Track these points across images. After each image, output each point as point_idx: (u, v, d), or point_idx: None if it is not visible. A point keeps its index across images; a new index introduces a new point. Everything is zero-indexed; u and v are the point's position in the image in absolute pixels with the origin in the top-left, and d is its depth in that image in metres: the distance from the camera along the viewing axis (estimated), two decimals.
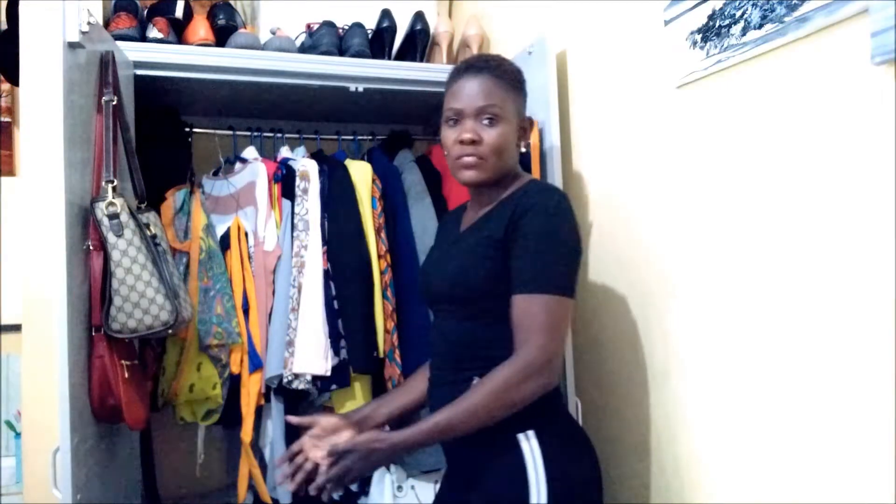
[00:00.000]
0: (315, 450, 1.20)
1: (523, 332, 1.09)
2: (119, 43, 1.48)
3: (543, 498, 1.08)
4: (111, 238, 1.24)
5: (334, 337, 1.64)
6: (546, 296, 1.09)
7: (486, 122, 1.17)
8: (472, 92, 1.18)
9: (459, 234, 1.28)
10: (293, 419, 1.31)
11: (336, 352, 1.64)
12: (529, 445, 1.11)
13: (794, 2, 0.98)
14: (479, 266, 1.15)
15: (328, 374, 1.61)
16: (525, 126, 1.25)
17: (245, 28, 1.78)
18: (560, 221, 1.14)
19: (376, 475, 1.84)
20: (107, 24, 1.60)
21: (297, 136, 1.99)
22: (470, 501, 1.17)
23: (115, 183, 1.28)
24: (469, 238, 1.22)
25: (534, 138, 1.64)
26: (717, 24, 1.14)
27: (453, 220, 1.37)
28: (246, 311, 1.66)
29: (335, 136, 2.04)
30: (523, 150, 1.27)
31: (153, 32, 1.61)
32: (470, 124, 1.17)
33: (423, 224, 1.76)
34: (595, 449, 1.22)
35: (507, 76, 1.21)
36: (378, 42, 1.86)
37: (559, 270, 1.12)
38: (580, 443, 1.21)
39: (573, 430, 1.23)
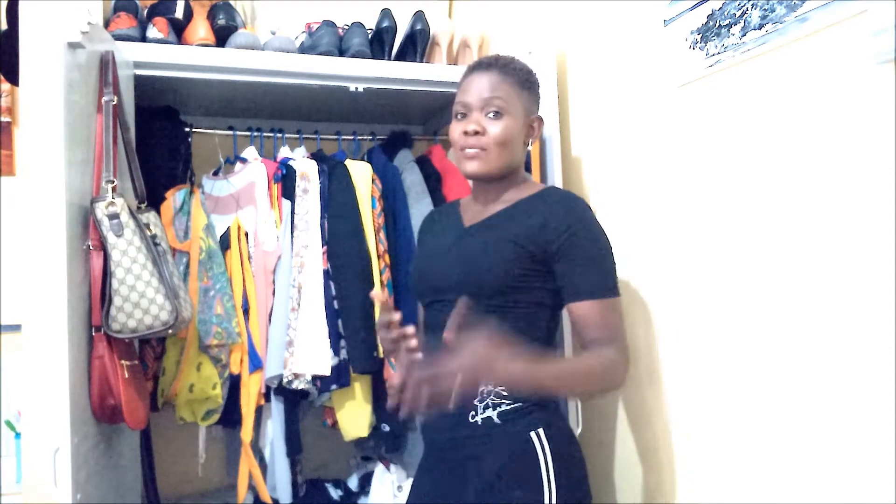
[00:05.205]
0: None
1: (601, 332, 1.10)
2: (119, 43, 1.47)
3: (554, 497, 1.08)
4: (111, 238, 1.24)
5: (334, 337, 1.64)
6: (612, 299, 1.13)
7: (491, 115, 1.19)
8: (479, 86, 1.21)
9: (464, 229, 1.27)
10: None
11: (336, 352, 1.64)
12: (541, 444, 1.11)
13: (794, 2, 0.98)
14: (495, 262, 1.15)
15: (328, 374, 1.61)
16: (533, 124, 1.26)
17: (245, 28, 1.78)
18: (600, 230, 1.17)
19: (376, 475, 1.84)
20: (107, 24, 1.60)
21: (297, 136, 1.99)
22: (474, 498, 1.14)
23: (115, 183, 1.28)
24: (481, 234, 1.22)
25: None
26: (717, 24, 1.14)
27: (449, 215, 1.35)
28: (246, 311, 1.66)
29: (335, 136, 2.04)
30: (530, 147, 1.28)
31: (153, 32, 1.61)
32: (475, 116, 1.20)
33: None
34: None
35: (515, 73, 1.23)
36: (378, 42, 1.86)
37: (614, 276, 1.15)
38: (574, 440, 1.22)
39: (567, 428, 1.23)
